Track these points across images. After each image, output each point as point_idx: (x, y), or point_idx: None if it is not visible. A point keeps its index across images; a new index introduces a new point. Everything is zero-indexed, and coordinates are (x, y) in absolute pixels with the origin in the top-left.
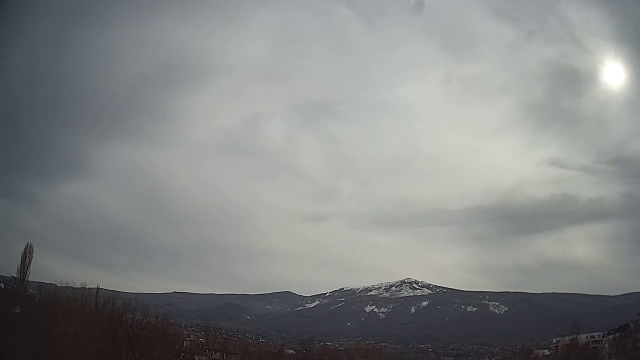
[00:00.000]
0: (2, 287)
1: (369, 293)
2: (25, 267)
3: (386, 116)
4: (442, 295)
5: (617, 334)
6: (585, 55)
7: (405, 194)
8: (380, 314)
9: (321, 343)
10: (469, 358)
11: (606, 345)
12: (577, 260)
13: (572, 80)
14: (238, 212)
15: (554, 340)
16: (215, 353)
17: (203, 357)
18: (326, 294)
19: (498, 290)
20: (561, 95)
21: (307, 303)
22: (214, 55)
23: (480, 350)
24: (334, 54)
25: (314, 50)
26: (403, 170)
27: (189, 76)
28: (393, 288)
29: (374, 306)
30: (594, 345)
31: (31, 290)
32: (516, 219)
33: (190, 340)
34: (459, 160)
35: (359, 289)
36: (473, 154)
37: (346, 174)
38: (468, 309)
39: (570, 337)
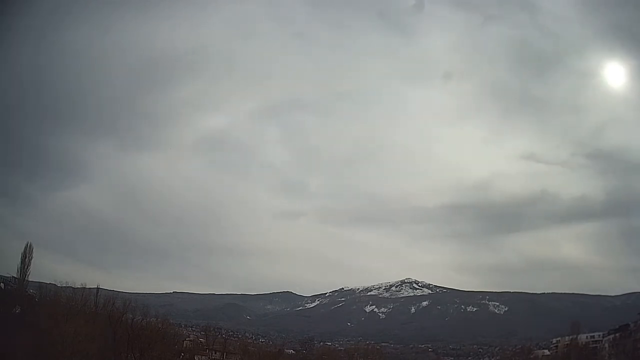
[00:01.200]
0: (2, 287)
1: (369, 293)
2: (25, 267)
3: (350, 107)
4: (442, 295)
5: (617, 334)
6: (551, 40)
7: (377, 189)
8: (380, 314)
9: (321, 343)
10: (469, 358)
11: (606, 345)
12: (565, 260)
13: (538, 65)
14: (224, 211)
15: (554, 340)
16: (215, 353)
17: (203, 357)
18: (326, 294)
19: (498, 290)
20: (527, 81)
21: (307, 303)
22: (185, 53)
23: (480, 350)
24: (294, 46)
25: (276, 43)
26: (370, 162)
27: (165, 76)
28: (393, 288)
29: (374, 306)
30: (594, 345)
31: (31, 290)
32: (497, 217)
33: (190, 340)
34: (426, 150)
35: (359, 289)
36: (439, 144)
37: (316, 168)
38: (468, 309)
39: (570, 337)
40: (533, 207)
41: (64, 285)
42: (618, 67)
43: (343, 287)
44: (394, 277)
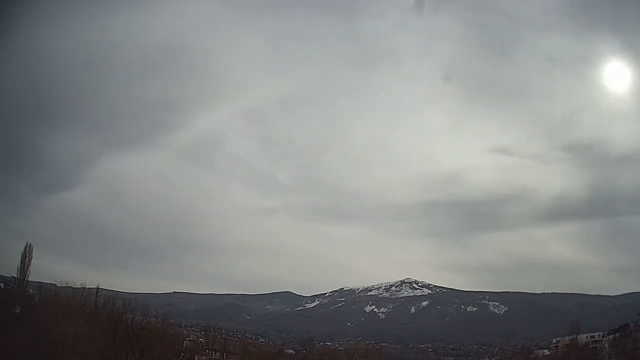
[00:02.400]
0: (2, 287)
1: (369, 293)
2: (25, 267)
3: (306, 95)
4: (442, 295)
5: (617, 334)
6: (510, 23)
7: (350, 185)
8: (380, 314)
9: (321, 343)
10: (469, 358)
11: (606, 345)
12: (552, 260)
13: (501, 49)
14: (219, 211)
15: (554, 340)
16: (215, 353)
17: (203, 357)
18: (326, 294)
19: (498, 290)
20: (490, 67)
21: (307, 303)
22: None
23: (480, 350)
24: (256, 38)
25: (238, 37)
26: (338, 154)
27: (154, 72)
28: (393, 288)
29: (374, 306)
30: (594, 345)
31: (31, 290)
32: (474, 214)
33: (190, 340)
34: (391, 140)
35: (358, 289)
36: (405, 133)
37: (285, 161)
38: (468, 309)
39: (570, 337)
40: (513, 204)
41: (64, 285)
42: (588, 51)
43: (343, 287)
44: (394, 277)
